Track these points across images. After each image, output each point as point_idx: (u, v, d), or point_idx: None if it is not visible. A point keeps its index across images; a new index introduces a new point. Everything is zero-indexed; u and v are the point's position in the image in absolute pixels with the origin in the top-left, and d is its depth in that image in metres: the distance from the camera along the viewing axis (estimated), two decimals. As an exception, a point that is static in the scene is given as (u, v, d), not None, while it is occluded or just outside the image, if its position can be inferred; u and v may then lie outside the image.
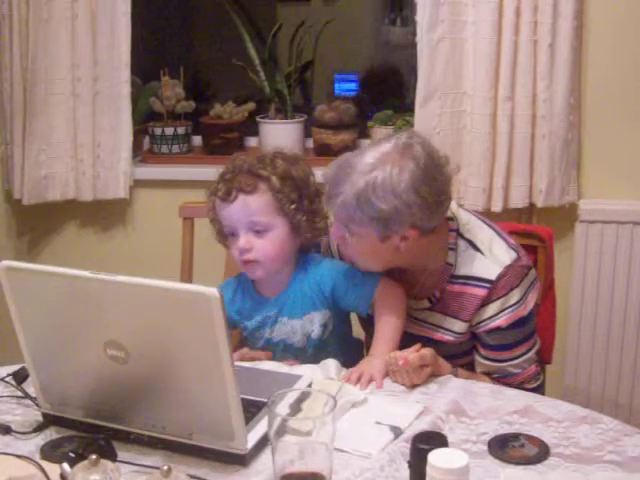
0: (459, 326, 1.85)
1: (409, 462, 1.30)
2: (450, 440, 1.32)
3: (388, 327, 1.82)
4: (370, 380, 1.71)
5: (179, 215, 2.33)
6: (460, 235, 1.84)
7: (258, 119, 3.07)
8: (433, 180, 1.70)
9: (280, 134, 3.01)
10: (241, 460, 1.41)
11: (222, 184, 1.84)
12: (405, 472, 1.32)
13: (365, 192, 1.67)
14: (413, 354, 1.69)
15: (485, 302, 1.81)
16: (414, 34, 2.72)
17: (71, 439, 1.47)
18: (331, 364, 1.76)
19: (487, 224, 1.89)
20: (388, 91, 3.61)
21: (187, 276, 2.31)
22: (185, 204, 2.34)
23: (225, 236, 1.89)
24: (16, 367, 1.70)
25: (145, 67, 3.25)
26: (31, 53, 2.82)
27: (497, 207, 2.69)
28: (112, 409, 1.47)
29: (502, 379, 1.85)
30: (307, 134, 3.08)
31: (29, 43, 2.82)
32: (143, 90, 3.20)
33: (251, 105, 3.13)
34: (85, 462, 1.24)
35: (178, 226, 2.33)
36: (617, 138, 2.72)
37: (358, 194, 1.68)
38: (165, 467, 1.22)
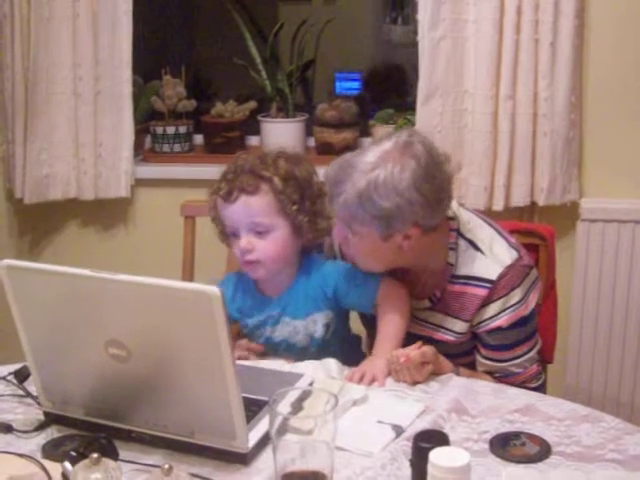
0: (460, 326, 1.85)
1: (410, 461, 1.30)
2: (451, 439, 1.33)
3: (391, 327, 1.82)
4: (372, 380, 1.71)
5: (180, 214, 2.33)
6: (461, 235, 1.84)
7: (259, 118, 3.07)
8: (434, 178, 1.70)
9: (281, 133, 3.01)
10: (242, 459, 1.41)
11: (224, 183, 1.83)
12: (406, 471, 1.32)
13: (367, 191, 1.67)
14: (415, 351, 1.70)
15: (486, 302, 1.81)
16: (415, 33, 2.72)
17: (72, 438, 1.47)
18: (332, 363, 1.76)
19: (488, 223, 1.89)
20: (392, 90, 3.61)
21: (188, 275, 2.31)
22: (186, 203, 2.34)
23: (227, 235, 1.89)
24: (17, 366, 1.70)
25: (146, 66, 3.24)
26: (32, 52, 2.82)
27: (498, 206, 2.69)
28: (113, 408, 1.47)
29: (504, 379, 1.84)
30: (308, 133, 3.08)
31: (30, 42, 2.82)
32: (144, 89, 3.20)
33: (252, 104, 3.13)
34: (86, 461, 1.25)
35: (179, 225, 2.33)
36: (618, 136, 2.72)
37: (360, 193, 1.68)
38: (166, 466, 1.22)
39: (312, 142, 3.09)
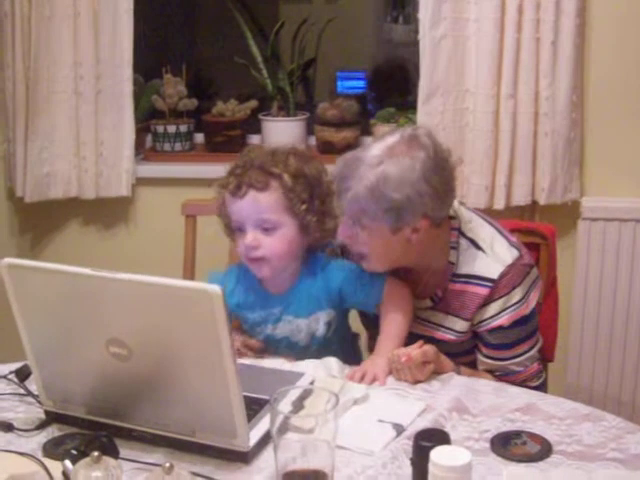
0: (461, 325, 1.85)
1: (411, 459, 1.30)
2: (452, 437, 1.32)
3: (393, 326, 1.82)
4: (373, 379, 1.71)
5: (181, 213, 2.33)
6: (462, 234, 1.84)
7: (260, 117, 3.07)
8: (442, 169, 1.73)
9: (282, 132, 3.01)
10: (243, 457, 1.41)
11: (232, 178, 1.80)
12: (407, 469, 1.32)
13: (378, 184, 1.68)
14: (416, 350, 1.70)
15: (487, 301, 1.81)
16: (416, 32, 2.72)
17: (73, 436, 1.48)
18: (333, 362, 1.76)
19: (488, 222, 1.89)
20: (394, 88, 3.60)
21: (189, 274, 2.31)
22: (187, 202, 2.34)
23: (232, 230, 1.87)
24: (18, 364, 1.69)
25: (147, 65, 3.24)
26: (33, 51, 2.82)
27: (499, 205, 2.69)
28: (114, 406, 1.47)
29: (504, 377, 1.84)
30: (309, 132, 3.08)
31: (31, 41, 2.82)
32: (145, 88, 3.20)
33: (253, 103, 3.13)
34: (87, 459, 1.25)
35: (180, 224, 2.33)
36: (620, 136, 2.71)
37: (370, 186, 1.68)
38: (167, 464, 1.22)
39: (313, 141, 3.09)
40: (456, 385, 1.69)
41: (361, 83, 3.48)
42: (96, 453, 1.24)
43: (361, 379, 1.70)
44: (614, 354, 2.77)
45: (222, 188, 1.83)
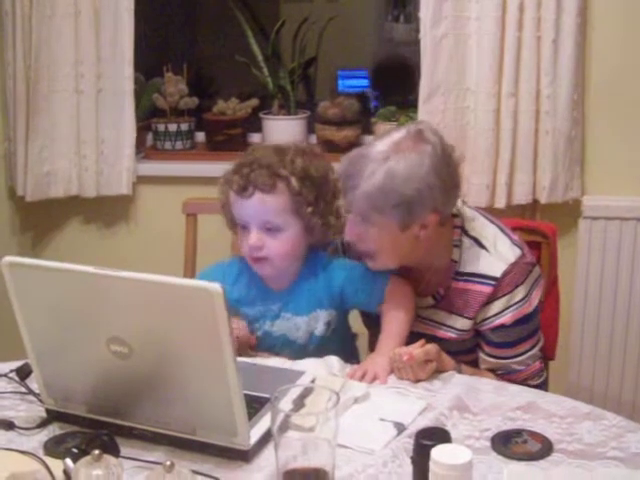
0: (463, 323, 1.85)
1: (412, 458, 1.30)
2: (453, 436, 1.32)
3: (395, 325, 1.81)
4: (374, 378, 1.71)
5: (182, 211, 2.33)
6: (465, 232, 1.84)
7: (261, 115, 3.07)
8: (449, 164, 1.74)
9: (283, 130, 3.01)
10: (244, 456, 1.41)
11: (238, 177, 1.78)
12: (408, 468, 1.32)
13: (387, 180, 1.68)
14: (418, 349, 1.70)
15: (490, 299, 1.81)
16: (417, 31, 2.72)
17: (74, 435, 1.47)
18: (334, 360, 1.76)
19: (491, 221, 1.89)
20: (396, 87, 3.60)
21: (190, 272, 2.31)
22: (188, 200, 2.34)
23: (235, 224, 1.85)
24: (19, 363, 1.70)
25: (148, 63, 3.24)
26: (34, 50, 2.82)
27: (500, 203, 2.69)
28: (115, 405, 1.47)
29: (506, 376, 1.85)
30: (310, 130, 3.08)
31: (32, 40, 2.81)
32: (146, 86, 3.20)
33: (254, 101, 3.13)
34: (88, 457, 1.24)
35: (181, 222, 2.33)
36: (621, 134, 2.71)
37: (380, 182, 1.68)
38: (168, 463, 1.22)
39: (314, 139, 3.09)
40: (457, 384, 1.69)
41: (364, 82, 3.48)
42: (97, 451, 1.24)
43: (362, 378, 1.70)
44: (615, 353, 2.76)
45: (227, 185, 1.82)
